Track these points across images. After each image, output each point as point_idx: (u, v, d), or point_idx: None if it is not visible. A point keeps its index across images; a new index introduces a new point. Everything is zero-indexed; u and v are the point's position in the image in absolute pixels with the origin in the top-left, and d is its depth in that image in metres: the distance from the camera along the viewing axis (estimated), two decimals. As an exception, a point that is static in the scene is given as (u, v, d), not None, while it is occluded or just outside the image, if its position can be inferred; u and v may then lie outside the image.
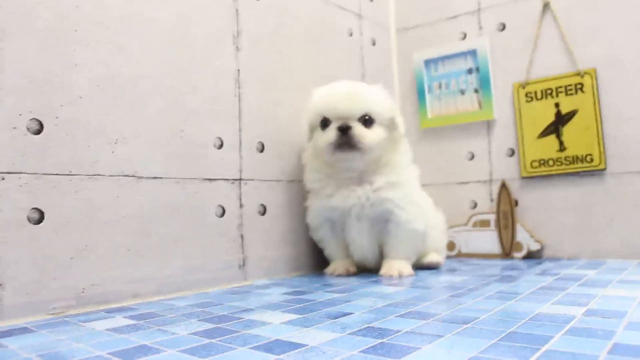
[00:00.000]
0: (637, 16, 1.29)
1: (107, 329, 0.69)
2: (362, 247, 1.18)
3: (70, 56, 0.84)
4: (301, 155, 1.25)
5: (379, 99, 1.14)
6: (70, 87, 0.84)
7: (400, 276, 1.12)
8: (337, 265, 1.19)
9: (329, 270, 1.20)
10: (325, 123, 1.12)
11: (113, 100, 0.90)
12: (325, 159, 1.13)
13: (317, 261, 1.28)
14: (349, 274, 1.17)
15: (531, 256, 1.38)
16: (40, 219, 0.79)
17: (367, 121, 1.10)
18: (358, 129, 1.08)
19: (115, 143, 0.90)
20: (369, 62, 1.56)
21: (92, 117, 0.86)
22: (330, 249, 1.22)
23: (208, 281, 1.02)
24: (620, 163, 1.30)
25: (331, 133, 1.08)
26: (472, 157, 1.53)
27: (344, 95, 1.10)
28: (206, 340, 0.61)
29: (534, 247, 1.37)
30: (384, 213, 1.13)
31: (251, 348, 0.57)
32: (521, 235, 1.39)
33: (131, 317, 0.76)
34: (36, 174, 0.79)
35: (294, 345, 0.58)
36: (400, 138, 1.18)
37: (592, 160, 1.32)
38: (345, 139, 1.07)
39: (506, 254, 1.40)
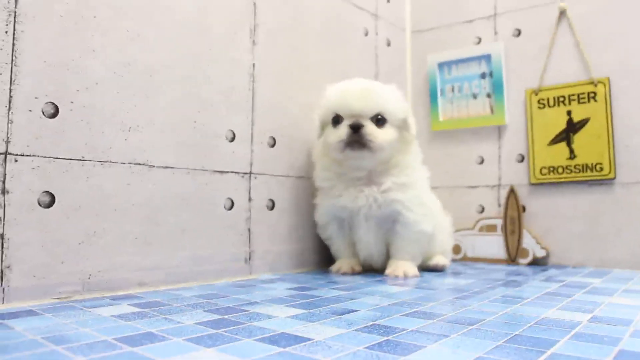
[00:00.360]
0: (654, 27, 1.28)
1: (112, 316, 0.69)
2: (369, 246, 1.17)
3: (88, 42, 0.85)
4: (311, 151, 1.25)
5: (393, 99, 1.13)
6: (86, 72, 0.84)
7: (406, 277, 1.12)
8: (343, 263, 1.19)
9: (334, 268, 1.20)
10: (337, 120, 1.11)
11: (128, 88, 0.90)
12: (334, 157, 1.12)
13: (322, 258, 1.28)
14: (354, 273, 1.17)
15: (536, 263, 1.38)
16: (51, 203, 0.79)
17: (379, 121, 1.09)
18: (370, 128, 1.07)
19: (129, 130, 0.90)
20: (383, 62, 1.56)
21: (107, 103, 0.87)
22: (337, 247, 1.22)
23: (214, 273, 1.03)
24: (630, 173, 1.29)
25: (343, 130, 1.08)
26: (482, 161, 1.53)
27: (357, 93, 1.09)
28: (212, 331, 0.61)
29: (540, 253, 1.37)
30: (392, 214, 1.13)
31: (257, 340, 0.57)
32: (527, 242, 1.38)
33: (137, 305, 0.77)
34: (49, 157, 0.79)
35: (299, 339, 0.58)
36: (411, 140, 1.17)
37: (602, 169, 1.32)
38: (357, 137, 1.07)
39: (512, 259, 1.40)
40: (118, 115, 0.88)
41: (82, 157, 0.83)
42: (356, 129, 1.07)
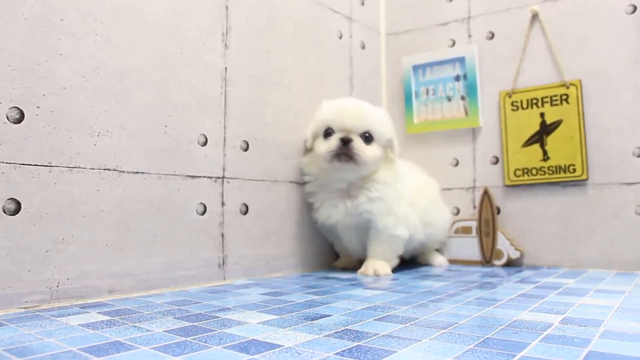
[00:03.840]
0: (623, 29, 1.30)
1: (80, 324, 0.68)
2: (355, 249, 1.30)
3: (56, 46, 0.83)
4: (286, 155, 1.26)
5: (381, 120, 1.23)
6: (54, 77, 0.83)
7: (377, 275, 1.19)
8: (342, 260, 1.38)
9: (336, 263, 1.39)
10: (328, 133, 1.19)
11: (97, 92, 0.89)
12: (322, 166, 1.20)
13: (297, 262, 1.27)
14: (344, 268, 1.34)
15: (511, 264, 1.39)
16: (16, 210, 0.78)
17: (367, 138, 1.19)
18: (358, 143, 1.16)
19: (98, 135, 0.88)
20: (357, 64, 1.56)
21: (75, 108, 0.85)
22: (336, 247, 1.38)
23: (187, 279, 1.01)
24: (602, 174, 1.31)
25: (333, 142, 1.16)
26: (457, 163, 1.54)
27: (350, 111, 1.19)
28: (181, 338, 0.60)
29: (514, 255, 1.38)
30: (365, 222, 1.22)
31: (226, 347, 0.56)
32: (502, 243, 1.39)
33: (106, 313, 0.75)
34: (14, 163, 0.77)
35: (269, 346, 0.57)
36: (394, 159, 1.25)
37: (574, 170, 1.33)
38: (345, 150, 1.15)
39: (486, 261, 1.40)
40: (87, 120, 0.87)
41: (49, 162, 0.81)
42: (346, 142, 1.15)
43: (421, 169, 1.47)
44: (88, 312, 0.76)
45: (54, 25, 0.83)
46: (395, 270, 1.27)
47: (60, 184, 0.83)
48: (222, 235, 1.08)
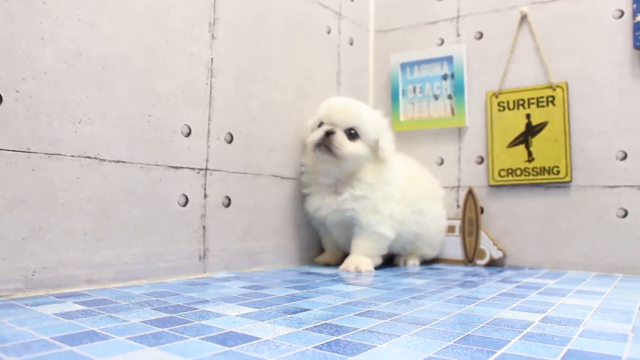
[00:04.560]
0: (611, 34, 1.31)
1: (55, 314, 0.66)
2: (344, 244, 1.31)
3: (37, 29, 0.81)
4: (271, 148, 1.24)
5: (369, 119, 1.24)
6: (34, 61, 0.81)
7: (358, 271, 1.20)
8: (325, 255, 1.37)
9: (318, 259, 1.37)
10: (320, 126, 1.24)
11: (80, 79, 0.87)
12: (312, 158, 1.25)
13: (279, 256, 1.26)
14: (327, 264, 1.34)
15: (494, 264, 1.39)
16: (-7, 196, 0.76)
17: (352, 134, 1.21)
18: (340, 136, 1.19)
19: (79, 123, 0.87)
20: (345, 60, 1.55)
21: (56, 94, 0.84)
22: (323, 242, 1.39)
23: (167, 271, 1.00)
24: (586, 177, 1.31)
25: (319, 133, 1.20)
26: (442, 162, 1.54)
27: (340, 106, 1.23)
28: (157, 329, 0.59)
29: (497, 255, 1.38)
30: (349, 219, 1.24)
31: (203, 339, 0.56)
32: (485, 243, 1.39)
33: (82, 303, 0.74)
34: (-8, 148, 0.76)
35: (247, 338, 0.56)
36: (384, 160, 1.25)
37: (558, 172, 1.34)
38: (327, 141, 1.18)
39: (469, 260, 1.41)
40: (68, 106, 0.85)
41: (28, 149, 0.80)
42: (328, 134, 1.19)
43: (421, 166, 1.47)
44: (64, 302, 0.74)
45: (36, 9, 0.81)
46: (377, 267, 1.27)
47: (39, 171, 0.81)
48: (204, 227, 1.07)
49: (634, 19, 1.26)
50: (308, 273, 1.15)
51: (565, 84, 1.35)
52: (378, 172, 1.24)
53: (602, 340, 0.58)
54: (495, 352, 0.52)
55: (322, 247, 1.41)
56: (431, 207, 1.38)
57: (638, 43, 1.25)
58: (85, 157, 0.87)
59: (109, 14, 0.91)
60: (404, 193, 1.28)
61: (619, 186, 1.27)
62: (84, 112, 0.87)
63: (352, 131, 1.21)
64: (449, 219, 1.46)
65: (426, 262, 1.44)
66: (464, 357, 0.51)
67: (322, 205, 1.25)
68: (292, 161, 1.31)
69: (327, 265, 1.33)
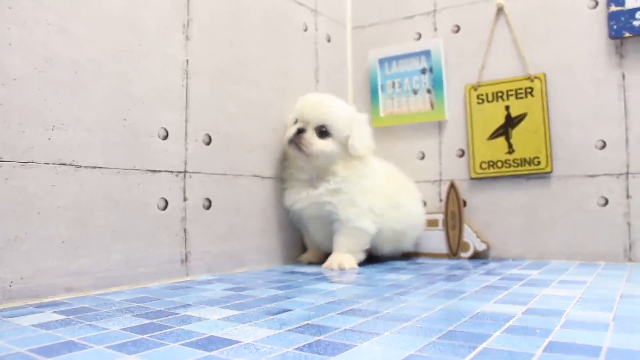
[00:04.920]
0: (586, 24, 1.31)
1: (32, 325, 0.65)
2: (322, 241, 1.31)
3: (4, 35, 0.80)
4: (246, 149, 1.23)
5: (341, 115, 1.24)
6: (3, 67, 0.79)
7: (341, 269, 1.19)
8: (308, 254, 1.36)
9: (301, 258, 1.36)
10: (295, 122, 1.25)
11: (51, 84, 0.85)
12: (286, 149, 1.26)
13: (262, 257, 1.26)
14: (310, 263, 1.33)
15: (478, 256, 1.40)
16: (-35, 207, 0.74)
17: (323, 132, 1.22)
18: (309, 135, 1.21)
19: (53, 129, 0.85)
20: (323, 58, 1.54)
21: (27, 100, 0.82)
22: (305, 239, 1.38)
23: (148, 276, 0.99)
24: (566, 167, 1.32)
25: (291, 130, 1.23)
26: (423, 156, 1.54)
27: (310, 103, 1.25)
28: (137, 336, 0.58)
29: (480, 247, 1.38)
30: (328, 214, 1.24)
31: (183, 344, 0.55)
32: (468, 236, 1.40)
33: (61, 312, 0.73)
34: (-38, 158, 0.74)
35: (227, 342, 0.55)
36: (356, 156, 1.25)
37: (539, 163, 1.34)
38: (297, 139, 1.21)
39: (453, 253, 1.41)
40: (40, 113, 0.84)
41: (0, 157, 0.78)
42: (299, 132, 1.21)
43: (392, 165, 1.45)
44: (42, 312, 0.73)
45: (2, 14, 0.80)
46: (361, 264, 1.27)
47: (13, 180, 0.80)
48: (185, 230, 1.06)
49: (608, 9, 1.26)
50: (291, 272, 1.14)
51: (543, 75, 1.35)
52: (353, 167, 1.24)
53: (584, 330, 0.59)
54: (476, 347, 0.52)
55: (305, 245, 1.40)
56: (407, 201, 1.37)
57: (613, 33, 1.26)
58: (60, 164, 0.86)
59: (80, 17, 0.90)
60: (382, 187, 1.28)
61: (599, 175, 1.28)
62: (57, 118, 0.86)
63: (323, 129, 1.22)
64: (431, 212, 1.46)
65: (410, 256, 1.45)
66: (446, 353, 0.51)
67: (299, 199, 1.25)
68: (272, 161, 1.31)
69: (311, 263, 1.32)
